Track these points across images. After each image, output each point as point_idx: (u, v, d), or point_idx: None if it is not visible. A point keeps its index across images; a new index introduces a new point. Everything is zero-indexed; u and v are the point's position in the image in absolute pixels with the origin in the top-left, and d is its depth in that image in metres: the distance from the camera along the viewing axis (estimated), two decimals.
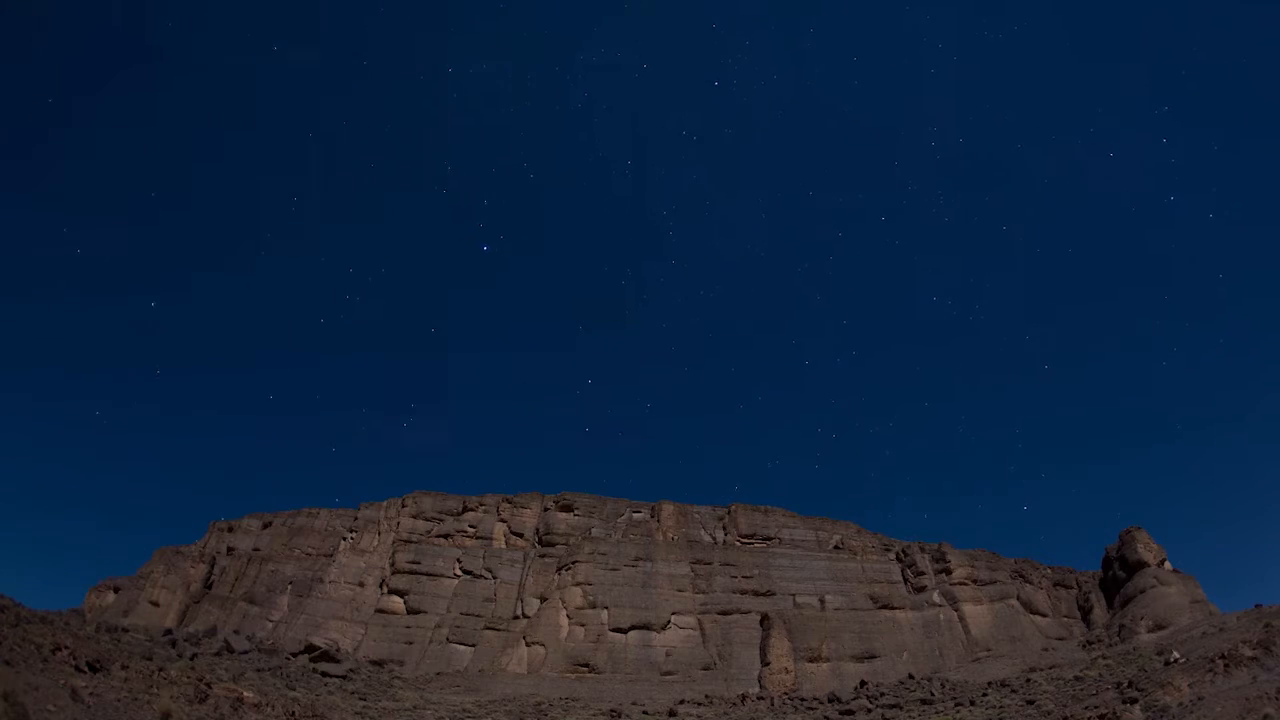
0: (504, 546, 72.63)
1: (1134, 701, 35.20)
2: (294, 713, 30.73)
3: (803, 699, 53.51)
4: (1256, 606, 54.77)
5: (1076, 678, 49.42)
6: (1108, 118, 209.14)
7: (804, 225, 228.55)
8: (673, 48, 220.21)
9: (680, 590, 66.87)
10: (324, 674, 49.85)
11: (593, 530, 73.15)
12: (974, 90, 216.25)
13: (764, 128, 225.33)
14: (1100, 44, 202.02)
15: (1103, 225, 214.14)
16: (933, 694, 50.80)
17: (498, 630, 64.16)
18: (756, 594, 67.73)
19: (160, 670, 27.95)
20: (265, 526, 78.16)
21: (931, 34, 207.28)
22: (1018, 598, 69.17)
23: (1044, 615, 68.74)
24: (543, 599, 65.96)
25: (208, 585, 70.76)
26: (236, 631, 61.24)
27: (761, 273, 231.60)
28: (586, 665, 59.13)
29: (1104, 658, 54.26)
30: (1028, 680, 51.74)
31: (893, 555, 74.59)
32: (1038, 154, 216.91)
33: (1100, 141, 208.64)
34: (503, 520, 74.89)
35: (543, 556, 70.44)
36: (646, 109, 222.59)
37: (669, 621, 64.00)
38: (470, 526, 74.16)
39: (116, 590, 72.26)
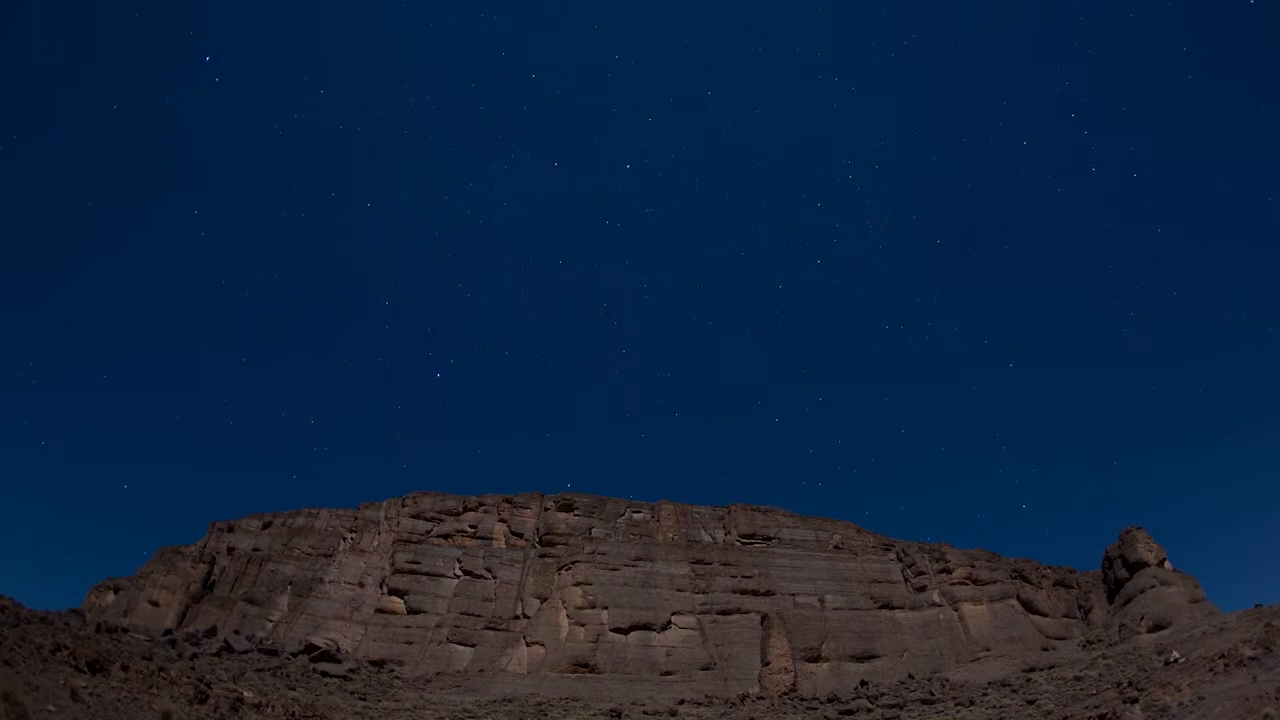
0: (504, 546, 72.57)
1: (1134, 701, 35.18)
2: (294, 713, 30.73)
3: (803, 699, 53.52)
4: (1256, 606, 54.71)
5: (1076, 678, 49.40)
6: (1013, 109, 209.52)
7: (742, 286, 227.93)
8: (578, 141, 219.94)
9: (680, 590, 66.82)
10: (324, 674, 49.82)
11: (593, 530, 73.09)
12: (878, 114, 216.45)
13: (682, 199, 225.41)
14: (987, 38, 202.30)
15: (1032, 214, 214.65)
16: (933, 694, 50.81)
17: (498, 630, 64.11)
18: (756, 594, 67.67)
19: (160, 670, 27.93)
20: (265, 526, 78.12)
21: (827, 69, 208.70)
22: (1018, 598, 69.10)
23: (1044, 615, 68.65)
24: (543, 599, 65.90)
25: (208, 585, 70.69)
26: (236, 631, 61.19)
27: (709, 341, 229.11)
28: (586, 665, 59.07)
29: (1104, 657, 54.23)
30: (1028, 680, 51.74)
31: (893, 555, 74.53)
32: (954, 161, 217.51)
33: (1011, 133, 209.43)
34: (503, 520, 74.83)
35: (543, 556, 70.38)
36: (565, 206, 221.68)
37: (669, 621, 63.94)
38: (470, 526, 74.11)
39: (116, 590, 72.20)
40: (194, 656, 47.14)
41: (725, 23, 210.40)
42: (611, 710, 47.07)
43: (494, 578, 68.76)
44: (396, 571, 68.26)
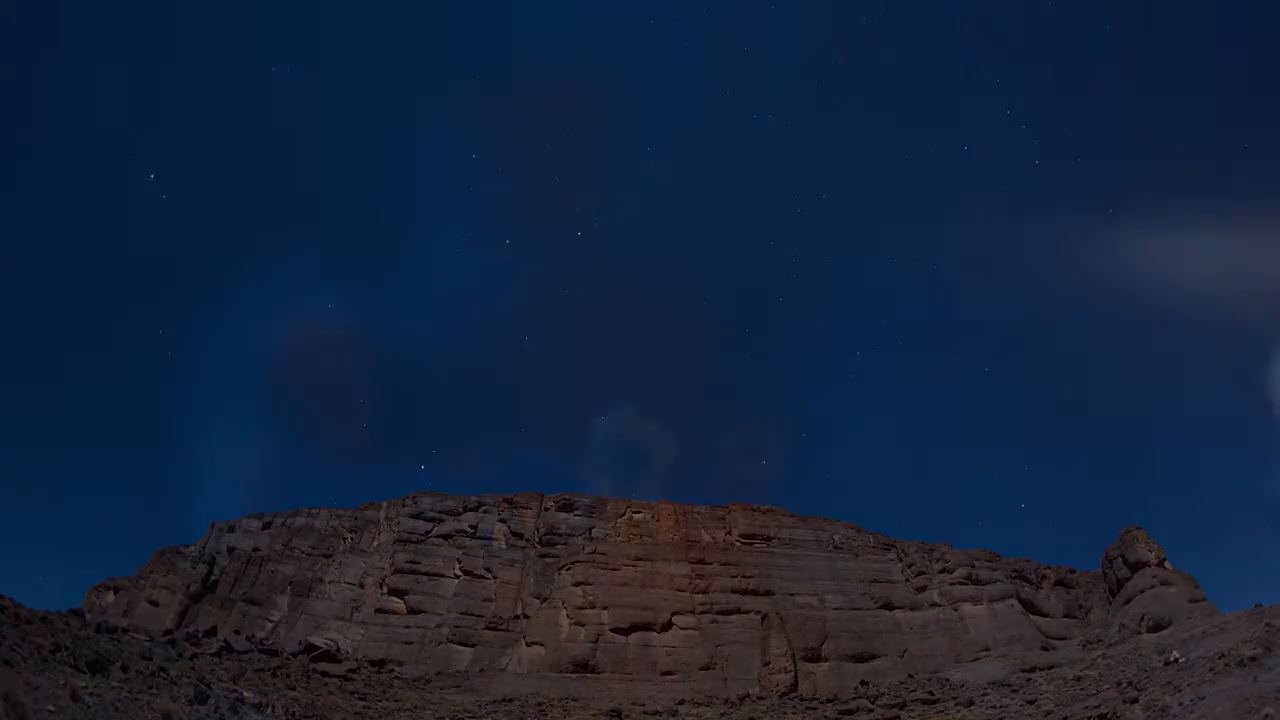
0: (504, 547, 72.59)
1: (1134, 701, 35.22)
2: (294, 713, 30.76)
3: (803, 699, 53.54)
4: (1256, 606, 54.63)
5: (1076, 678, 49.38)
6: (950, 113, 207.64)
7: (708, 335, 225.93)
8: (530, 209, 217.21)
9: (680, 590, 66.79)
10: (324, 674, 49.84)
11: (593, 530, 73.12)
12: (818, 140, 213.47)
13: (639, 258, 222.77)
14: (914, 45, 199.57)
15: (989, 215, 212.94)
16: (933, 694, 50.84)
17: (498, 630, 64.13)
18: (756, 594, 67.62)
19: (160, 670, 27.94)
20: (265, 527, 78.11)
21: (759, 109, 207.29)
22: (1018, 597, 69.05)
23: (1044, 615, 68.68)
24: (543, 599, 65.91)
25: (208, 585, 70.71)
26: (236, 631, 61.25)
27: (685, 390, 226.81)
28: (586, 665, 59.06)
29: (1104, 657, 54.21)
30: (1028, 680, 51.73)
31: (892, 555, 74.52)
32: (900, 177, 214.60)
33: (951, 139, 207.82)
34: (503, 520, 74.85)
35: (543, 556, 70.39)
36: (523, 283, 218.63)
37: (669, 621, 63.93)
38: (470, 527, 74.12)
39: (116, 590, 72.20)
40: (194, 656, 47.14)
41: (653, 77, 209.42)
42: (611, 710, 47.11)
43: (494, 578, 68.77)
44: (396, 571, 68.28)
